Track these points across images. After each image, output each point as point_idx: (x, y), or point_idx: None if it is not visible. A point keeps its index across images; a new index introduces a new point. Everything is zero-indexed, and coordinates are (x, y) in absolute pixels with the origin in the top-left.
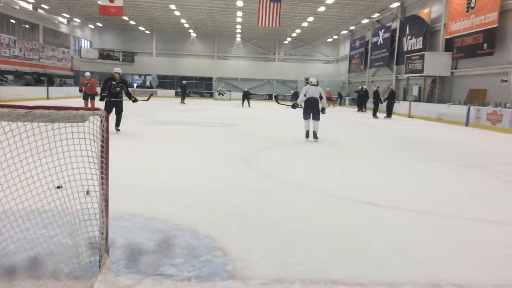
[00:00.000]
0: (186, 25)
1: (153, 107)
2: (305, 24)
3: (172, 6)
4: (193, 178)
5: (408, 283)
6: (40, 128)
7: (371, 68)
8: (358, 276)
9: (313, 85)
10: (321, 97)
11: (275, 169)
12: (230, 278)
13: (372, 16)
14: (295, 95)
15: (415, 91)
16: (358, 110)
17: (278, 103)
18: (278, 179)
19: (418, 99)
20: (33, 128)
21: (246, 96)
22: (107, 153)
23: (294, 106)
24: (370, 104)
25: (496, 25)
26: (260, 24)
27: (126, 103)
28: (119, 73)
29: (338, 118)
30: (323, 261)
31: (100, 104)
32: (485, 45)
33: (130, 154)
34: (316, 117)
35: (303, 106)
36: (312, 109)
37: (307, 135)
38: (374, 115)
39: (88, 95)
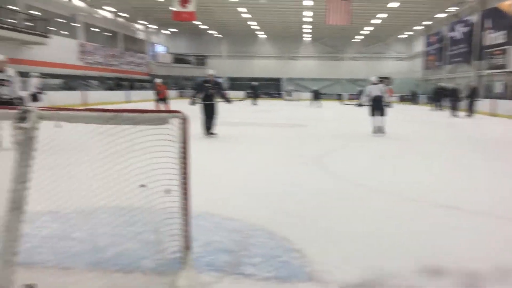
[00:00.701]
0: (255, 27)
1: (225, 108)
2: (376, 21)
3: (241, 9)
4: (268, 179)
5: None
6: (126, 131)
7: (448, 64)
8: (441, 285)
9: (375, 83)
10: (383, 93)
11: (350, 170)
12: (309, 281)
13: (449, 10)
14: (361, 93)
15: (498, 87)
16: (434, 109)
17: (347, 104)
18: (354, 180)
19: (503, 96)
20: (119, 131)
21: (316, 95)
22: (187, 154)
23: (359, 105)
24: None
25: None
26: (328, 23)
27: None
28: (213, 75)
29: (412, 117)
30: (404, 268)
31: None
32: None
33: (206, 154)
34: (382, 113)
35: (367, 104)
36: (377, 106)
37: (375, 131)
38: (454, 113)
39: (160, 100)
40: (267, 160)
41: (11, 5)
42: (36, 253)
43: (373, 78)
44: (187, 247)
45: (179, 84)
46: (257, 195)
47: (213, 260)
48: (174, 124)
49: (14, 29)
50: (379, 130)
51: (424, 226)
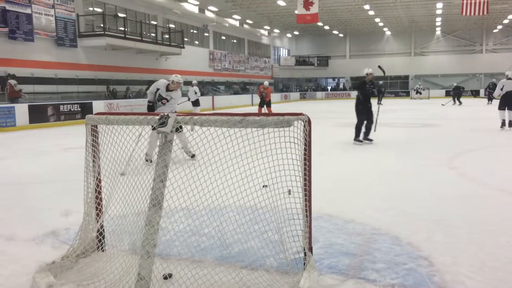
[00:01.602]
0: (380, 24)
1: (345, 109)
2: None
3: (366, 7)
4: (393, 182)
5: None
6: (253, 133)
7: None
8: None
9: (509, 79)
10: None
11: (482, 173)
12: None
13: None
14: (493, 86)
15: None
16: None
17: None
18: (487, 184)
19: None
20: (247, 133)
21: (457, 92)
22: (309, 156)
23: (490, 99)
24: None
25: None
26: (464, 14)
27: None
28: (372, 74)
29: None
30: None
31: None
32: None
33: (327, 156)
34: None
35: (499, 98)
36: (508, 102)
37: (503, 124)
38: None
39: (264, 103)
40: (393, 163)
41: (152, 21)
42: (172, 246)
43: (509, 73)
44: (309, 248)
45: (301, 85)
46: (381, 198)
47: (335, 263)
48: (297, 127)
49: (154, 42)
50: (508, 125)
51: None
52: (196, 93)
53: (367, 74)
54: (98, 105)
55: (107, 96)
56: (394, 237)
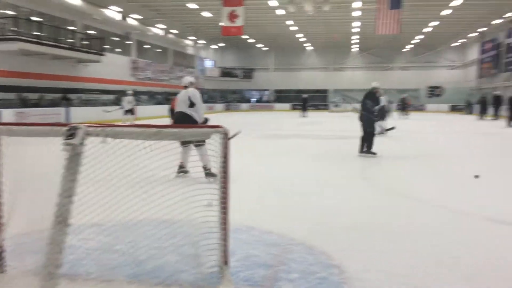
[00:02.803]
0: (303, 39)
1: (271, 120)
2: (427, 29)
3: (289, 22)
4: (309, 193)
5: None
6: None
7: (504, 72)
8: None
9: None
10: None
11: (394, 183)
12: None
13: (506, 15)
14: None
15: None
16: (480, 118)
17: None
18: (398, 194)
19: None
20: (163, 145)
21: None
22: (226, 168)
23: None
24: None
25: None
26: (378, 32)
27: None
28: (379, 88)
29: (463, 127)
30: (450, 285)
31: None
32: None
33: (246, 168)
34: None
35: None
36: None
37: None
38: (510, 123)
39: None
40: (309, 174)
41: (70, 26)
42: (80, 265)
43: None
44: (225, 261)
45: (226, 97)
46: (297, 209)
47: (251, 275)
48: (215, 139)
49: (71, 48)
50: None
51: (471, 243)
52: (130, 102)
53: (376, 88)
54: (7, 114)
55: (18, 104)
56: (309, 247)
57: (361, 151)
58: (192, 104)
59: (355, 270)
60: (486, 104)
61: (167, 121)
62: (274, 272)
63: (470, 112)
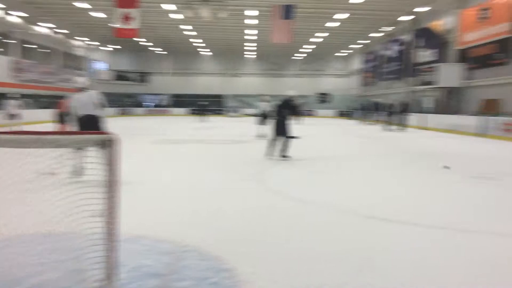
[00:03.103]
0: (199, 44)
1: (167, 125)
2: (317, 40)
3: (185, 27)
4: (202, 198)
5: None
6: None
7: (384, 81)
8: None
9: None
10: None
11: (285, 186)
12: None
13: (384, 29)
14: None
15: (428, 102)
16: (361, 123)
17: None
18: (289, 196)
19: (432, 111)
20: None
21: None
22: (114, 176)
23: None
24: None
25: (510, 35)
26: (273, 41)
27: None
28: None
29: (348, 131)
30: (334, 279)
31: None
32: (499, 55)
33: (140, 174)
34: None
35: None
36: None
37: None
38: (388, 127)
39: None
40: (202, 178)
41: None
42: None
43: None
44: (113, 273)
45: (120, 101)
46: (190, 215)
47: (142, 286)
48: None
49: None
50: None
51: (354, 239)
52: (16, 106)
53: (293, 96)
54: None
55: None
56: (202, 253)
57: (280, 155)
58: (99, 106)
59: (245, 273)
60: (367, 110)
61: (52, 126)
62: (165, 281)
63: (354, 117)
